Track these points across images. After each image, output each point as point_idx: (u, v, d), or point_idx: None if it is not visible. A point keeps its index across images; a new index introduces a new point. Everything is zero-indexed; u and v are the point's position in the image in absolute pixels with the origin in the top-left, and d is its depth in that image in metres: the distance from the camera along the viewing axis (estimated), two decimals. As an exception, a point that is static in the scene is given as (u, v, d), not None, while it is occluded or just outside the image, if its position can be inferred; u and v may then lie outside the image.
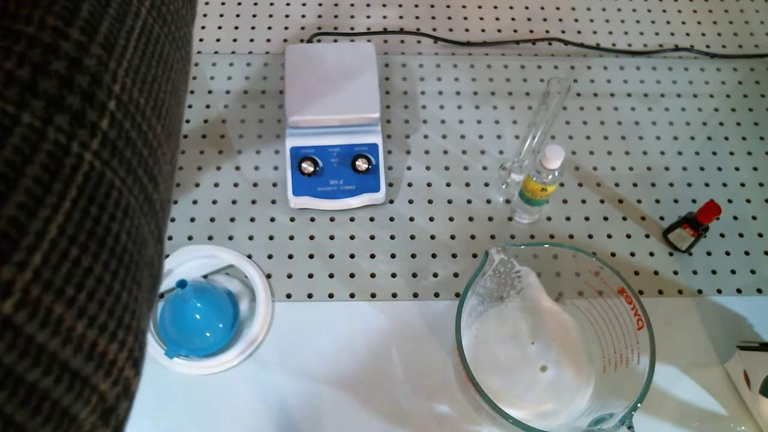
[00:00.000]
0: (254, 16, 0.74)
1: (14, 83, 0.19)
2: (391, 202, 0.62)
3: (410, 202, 0.62)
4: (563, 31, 0.75)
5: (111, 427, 0.20)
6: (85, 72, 0.21)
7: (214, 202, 0.62)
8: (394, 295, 0.57)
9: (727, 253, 0.60)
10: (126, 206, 0.21)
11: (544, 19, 0.76)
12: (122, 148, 0.21)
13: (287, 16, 0.74)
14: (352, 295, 0.57)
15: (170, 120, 0.26)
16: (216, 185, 0.62)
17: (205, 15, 0.74)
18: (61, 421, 0.17)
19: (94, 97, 0.21)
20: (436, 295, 0.57)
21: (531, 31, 0.75)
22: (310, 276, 0.58)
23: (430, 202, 0.62)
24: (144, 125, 0.23)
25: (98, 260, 0.19)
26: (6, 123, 0.18)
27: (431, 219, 0.61)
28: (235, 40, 0.72)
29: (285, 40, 0.72)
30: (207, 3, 0.75)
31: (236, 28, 0.73)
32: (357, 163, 0.59)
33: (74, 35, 0.21)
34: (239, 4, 0.75)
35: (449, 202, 0.62)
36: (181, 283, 0.49)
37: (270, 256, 0.59)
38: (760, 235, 0.62)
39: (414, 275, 0.58)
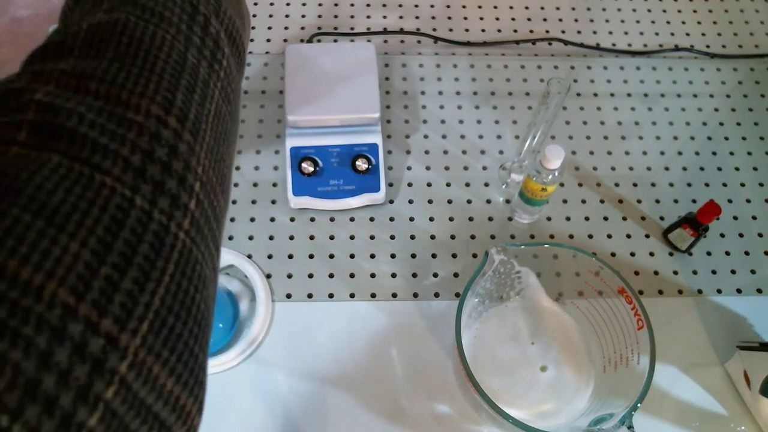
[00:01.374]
0: (254, 16, 0.74)
1: (129, 169, 0.21)
2: (391, 202, 0.62)
3: (410, 202, 0.62)
4: (563, 31, 0.75)
5: None
6: (179, 157, 0.23)
7: (214, 202, 0.61)
8: (394, 295, 0.57)
9: (727, 253, 0.60)
10: (204, 277, 0.24)
11: (544, 19, 0.76)
12: (203, 225, 0.24)
13: (287, 16, 0.74)
14: (352, 295, 0.57)
15: (229, 191, 0.28)
16: (216, 185, 0.62)
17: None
18: None
19: (186, 180, 0.23)
20: (436, 295, 0.57)
21: (531, 31, 0.75)
22: (310, 276, 0.58)
23: (430, 202, 0.62)
24: (215, 201, 0.26)
25: (186, 326, 0.22)
26: (125, 206, 0.20)
27: (431, 219, 0.61)
28: (235, 40, 0.72)
29: (285, 40, 0.72)
30: (207, 3, 0.75)
31: (236, 28, 0.73)
32: (357, 163, 0.59)
33: (172, 123, 0.24)
34: (239, 4, 0.75)
35: (449, 202, 0.62)
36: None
37: (270, 256, 0.59)
38: (760, 235, 0.62)
39: (414, 275, 0.58)
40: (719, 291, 0.58)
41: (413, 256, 0.59)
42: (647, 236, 0.61)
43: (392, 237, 0.60)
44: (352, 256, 0.59)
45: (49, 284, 0.17)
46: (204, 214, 0.24)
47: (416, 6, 0.76)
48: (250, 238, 0.60)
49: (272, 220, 0.61)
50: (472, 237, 0.60)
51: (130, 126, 0.22)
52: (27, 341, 0.16)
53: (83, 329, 0.17)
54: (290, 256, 0.59)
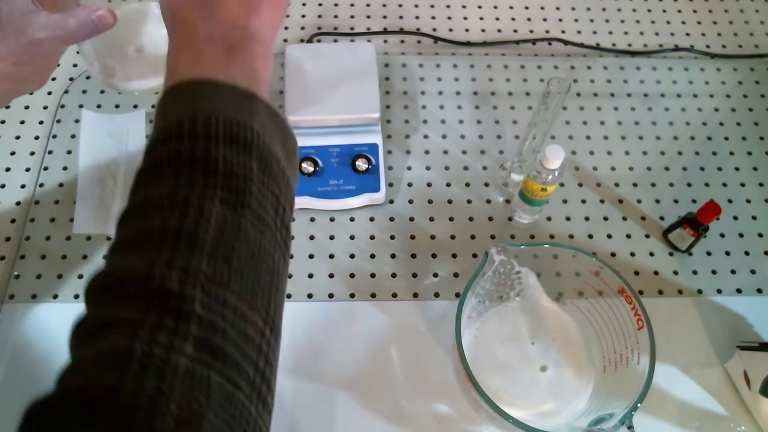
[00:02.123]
0: (254, 16, 0.74)
1: (248, 383, 0.25)
2: (391, 202, 0.62)
3: (410, 202, 0.62)
4: (563, 31, 0.75)
5: None
6: (269, 363, 0.27)
7: (214, 202, 0.61)
8: (394, 295, 0.57)
9: (727, 253, 0.60)
10: None
11: (544, 19, 0.76)
12: (271, 414, 0.28)
13: (287, 16, 0.74)
14: (352, 295, 0.57)
15: None
16: (216, 185, 0.62)
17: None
18: None
19: (270, 383, 0.27)
20: (436, 295, 0.57)
21: (531, 31, 0.75)
22: (310, 276, 0.58)
23: (430, 202, 0.62)
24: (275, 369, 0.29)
25: None
26: (248, 417, 0.25)
27: (431, 219, 0.61)
28: (235, 40, 0.72)
29: (285, 40, 0.72)
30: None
31: (236, 28, 0.73)
32: (357, 163, 0.59)
33: (267, 334, 0.27)
34: (239, 4, 0.75)
35: (449, 202, 0.62)
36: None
37: (270, 256, 0.58)
38: (760, 235, 0.62)
39: (414, 275, 0.58)
40: (719, 291, 0.58)
41: (413, 256, 0.59)
42: (647, 236, 0.61)
43: (392, 237, 0.60)
44: (352, 256, 0.59)
45: None
46: (272, 404, 0.28)
47: (416, 6, 0.76)
48: (250, 238, 0.59)
49: (272, 220, 0.61)
50: (472, 237, 0.60)
51: (247, 340, 0.26)
52: None
53: None
54: (290, 256, 0.59)
